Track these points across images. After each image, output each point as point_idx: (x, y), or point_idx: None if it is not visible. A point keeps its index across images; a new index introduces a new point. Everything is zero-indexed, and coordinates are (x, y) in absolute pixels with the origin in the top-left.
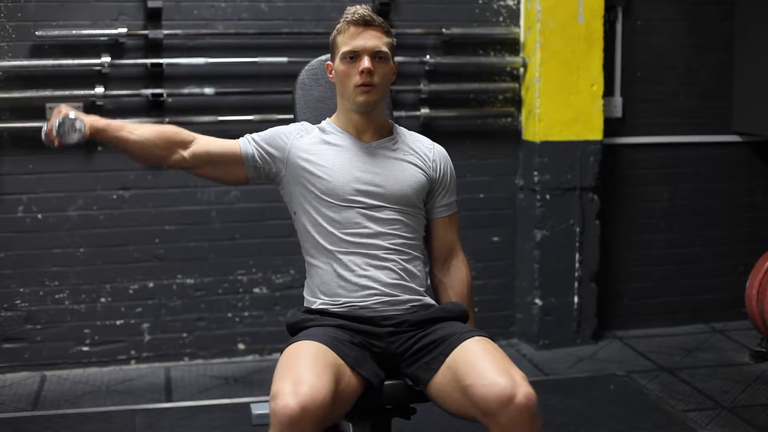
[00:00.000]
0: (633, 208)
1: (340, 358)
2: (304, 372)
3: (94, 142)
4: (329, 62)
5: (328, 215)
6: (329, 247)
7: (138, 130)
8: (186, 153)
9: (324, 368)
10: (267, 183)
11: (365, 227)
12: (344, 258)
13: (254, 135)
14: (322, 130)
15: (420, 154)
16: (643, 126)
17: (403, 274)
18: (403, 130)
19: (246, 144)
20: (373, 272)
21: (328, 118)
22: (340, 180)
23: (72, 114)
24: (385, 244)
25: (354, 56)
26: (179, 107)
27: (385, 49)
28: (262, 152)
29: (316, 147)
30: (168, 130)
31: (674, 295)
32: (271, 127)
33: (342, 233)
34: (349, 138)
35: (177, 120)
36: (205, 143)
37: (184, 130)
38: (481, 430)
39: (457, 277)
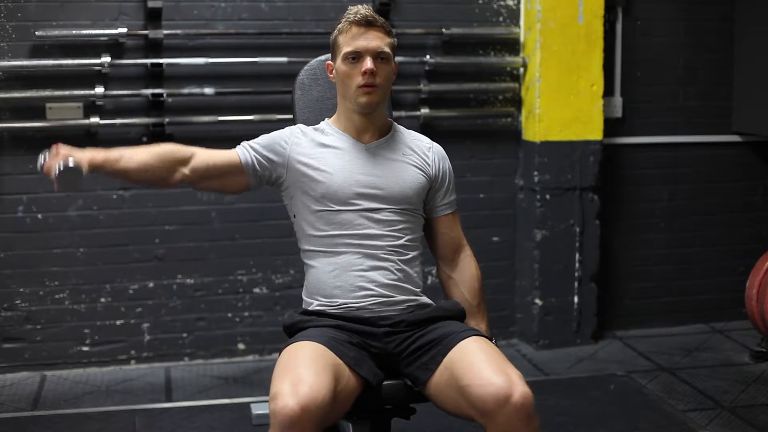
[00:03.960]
0: (633, 208)
1: (339, 357)
2: (304, 372)
3: (94, 142)
4: (330, 62)
5: (327, 217)
6: (327, 248)
7: (136, 156)
8: (187, 170)
9: (323, 368)
10: (266, 186)
11: (365, 228)
12: (342, 259)
13: (251, 142)
14: (321, 131)
15: (419, 154)
16: (643, 126)
17: (400, 275)
18: (401, 128)
19: (245, 153)
20: (370, 273)
21: (327, 119)
22: (340, 183)
23: (71, 162)
24: (384, 244)
25: (356, 57)
26: (179, 107)
27: (387, 49)
28: (262, 159)
29: (316, 150)
30: (166, 150)
31: (674, 295)
32: (270, 127)
33: (341, 234)
34: (349, 140)
35: (177, 120)
36: (204, 157)
37: (181, 146)
38: (481, 431)
39: (467, 271)
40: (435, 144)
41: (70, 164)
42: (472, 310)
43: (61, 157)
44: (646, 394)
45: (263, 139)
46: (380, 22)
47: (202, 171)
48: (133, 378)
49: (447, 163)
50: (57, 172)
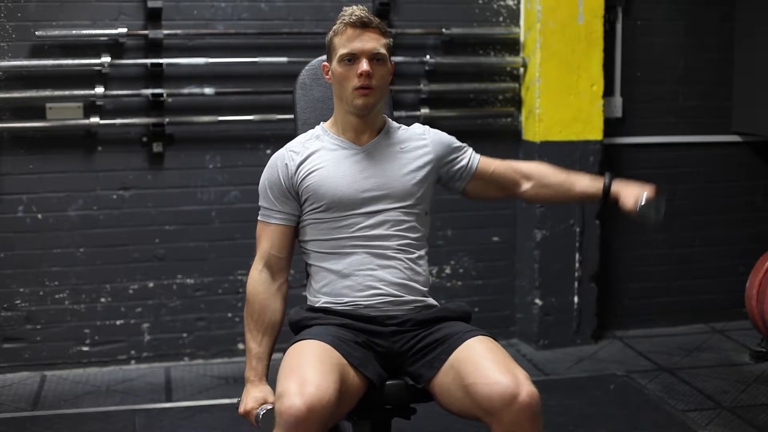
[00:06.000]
0: None
1: (344, 358)
2: (310, 372)
3: (94, 142)
4: (325, 63)
5: (334, 222)
6: (335, 250)
7: (259, 332)
8: (285, 276)
9: (329, 368)
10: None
11: (372, 230)
12: (350, 259)
13: (264, 204)
14: (317, 138)
15: (416, 145)
16: (643, 126)
17: (409, 273)
18: (395, 124)
19: (277, 216)
20: (378, 272)
21: (323, 123)
22: (345, 192)
23: (265, 408)
24: (391, 244)
25: (352, 58)
26: (179, 107)
27: (383, 50)
28: (286, 206)
29: (313, 163)
30: (259, 291)
31: (674, 295)
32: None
33: (348, 236)
34: (346, 144)
35: (177, 120)
36: (281, 261)
37: (254, 272)
38: (483, 431)
39: (542, 169)
40: (426, 126)
41: (266, 409)
42: (571, 178)
43: (254, 409)
44: (646, 394)
45: (264, 191)
46: (375, 23)
47: (285, 263)
48: (133, 378)
49: (442, 133)
50: (259, 421)
